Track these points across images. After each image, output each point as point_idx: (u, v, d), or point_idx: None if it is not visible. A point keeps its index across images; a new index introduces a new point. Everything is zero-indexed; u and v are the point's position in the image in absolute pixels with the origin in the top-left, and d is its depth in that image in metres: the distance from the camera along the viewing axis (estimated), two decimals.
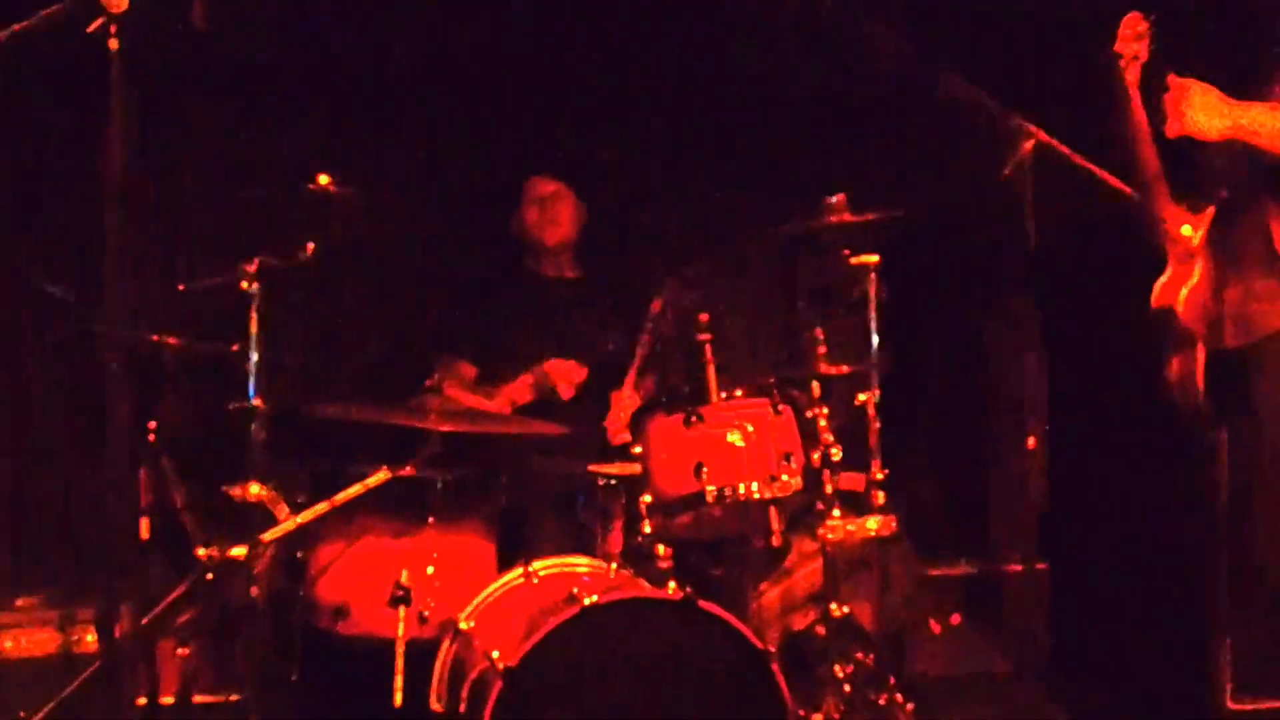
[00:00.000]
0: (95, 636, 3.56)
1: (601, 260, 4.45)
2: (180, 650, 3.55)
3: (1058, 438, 4.65)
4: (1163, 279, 3.16)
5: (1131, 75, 3.13)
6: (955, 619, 4.43)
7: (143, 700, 3.51)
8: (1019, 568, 4.66)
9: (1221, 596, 3.89)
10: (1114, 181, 3.35)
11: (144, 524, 3.44)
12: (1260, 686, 3.82)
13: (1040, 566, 4.66)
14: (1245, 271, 3.01)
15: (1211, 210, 3.10)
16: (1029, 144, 3.39)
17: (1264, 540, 3.04)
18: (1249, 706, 3.83)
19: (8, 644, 3.67)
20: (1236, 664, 3.87)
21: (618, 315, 4.30)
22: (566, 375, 4.10)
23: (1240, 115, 2.92)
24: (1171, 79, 2.97)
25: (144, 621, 3.28)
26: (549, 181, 4.38)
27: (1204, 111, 2.91)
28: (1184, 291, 3.09)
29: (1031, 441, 3.83)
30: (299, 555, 3.62)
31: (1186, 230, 3.11)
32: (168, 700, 3.56)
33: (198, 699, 3.64)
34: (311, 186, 3.50)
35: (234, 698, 3.72)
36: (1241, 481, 3.41)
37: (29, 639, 3.68)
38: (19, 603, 3.83)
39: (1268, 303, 2.97)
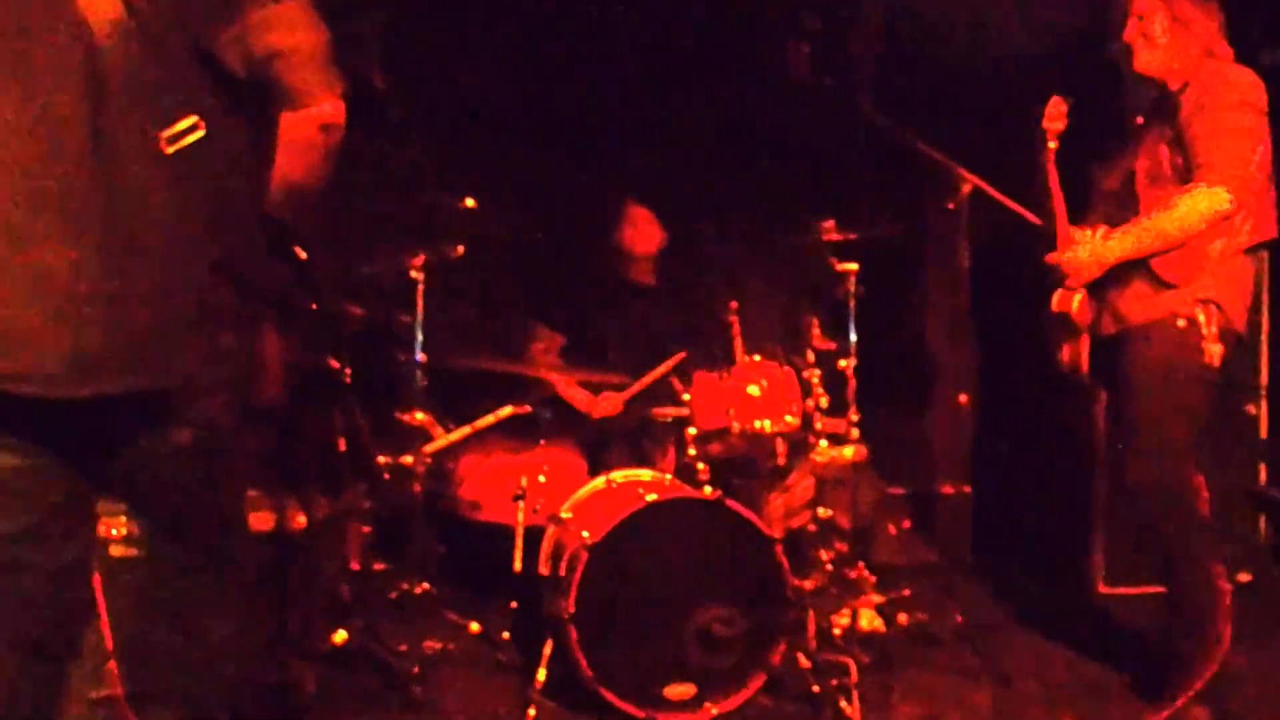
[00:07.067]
0: (304, 518, 3.40)
1: (669, 271, 4.28)
2: (363, 529, 3.57)
3: (983, 399, 4.62)
4: (1061, 289, 3.05)
5: (1052, 144, 3.07)
6: (905, 524, 4.47)
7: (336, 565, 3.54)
8: (951, 489, 4.68)
9: (1098, 508, 3.94)
10: (1029, 215, 3.31)
11: (340, 441, 3.41)
12: (1125, 576, 3.91)
13: (965, 489, 4.67)
14: (1124, 275, 2.91)
15: (1101, 231, 2.99)
16: (967, 187, 3.45)
17: (1129, 467, 2.91)
18: (1117, 590, 3.92)
19: None
20: (1108, 558, 3.95)
21: (678, 310, 4.17)
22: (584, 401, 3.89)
23: (1107, 255, 2.89)
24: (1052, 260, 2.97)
25: (338, 508, 3.40)
26: (644, 209, 4.18)
27: (1084, 272, 2.93)
28: (1076, 299, 3.01)
29: (963, 399, 3.81)
30: (448, 465, 3.69)
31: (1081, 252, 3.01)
32: (355, 566, 3.56)
33: (375, 566, 3.64)
34: (462, 205, 3.52)
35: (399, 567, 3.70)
36: (1115, 427, 3.35)
37: (254, 519, 3.40)
38: (250, 493, 3.70)
39: (1137, 301, 2.88)
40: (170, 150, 1.58)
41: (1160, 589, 3.04)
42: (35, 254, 1.56)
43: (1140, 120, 3.04)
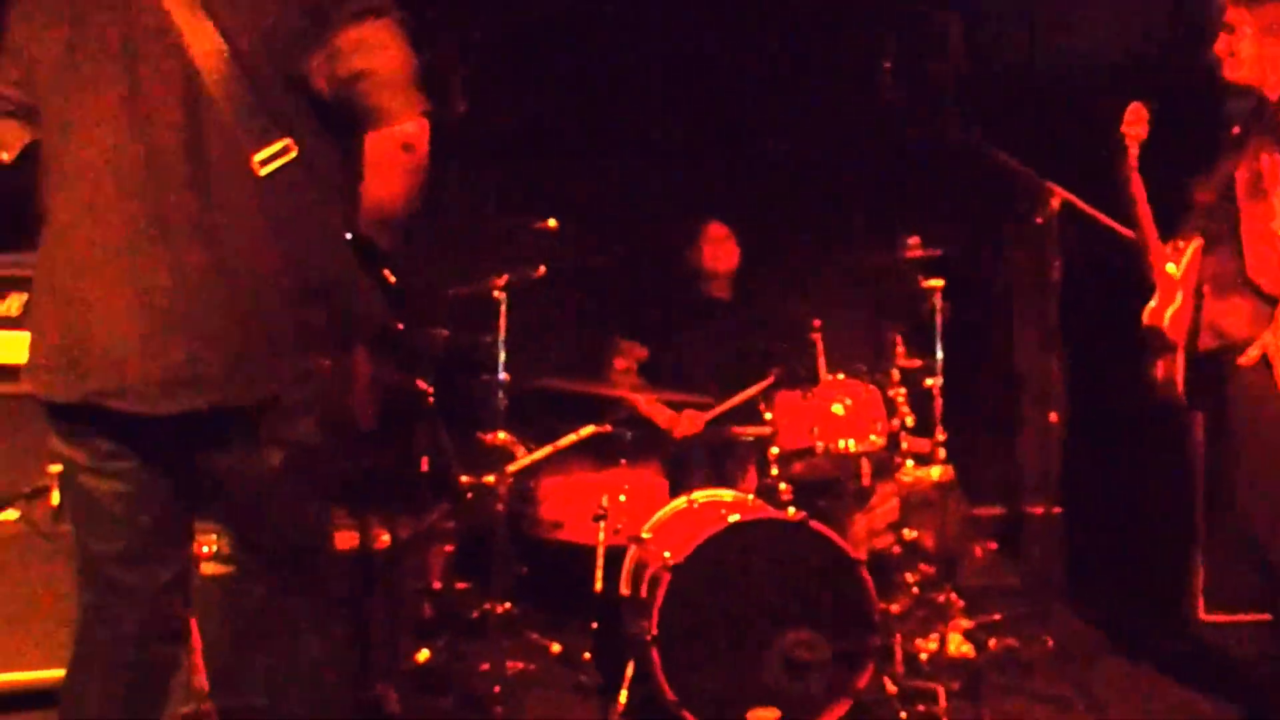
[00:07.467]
0: (388, 537, 3.38)
1: (747, 288, 4.31)
2: (446, 549, 3.62)
3: (1073, 417, 4.26)
4: (1152, 303, 3.03)
5: (1133, 150, 3.04)
6: (992, 545, 4.41)
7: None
8: (1040, 510, 4.55)
9: (1198, 532, 3.80)
10: (1118, 228, 3.27)
11: (423, 461, 3.48)
12: (1227, 603, 3.74)
13: (1056, 510, 4.50)
14: (1223, 291, 2.85)
15: (1196, 243, 2.95)
16: (1056, 201, 3.44)
17: (1237, 490, 2.85)
18: (1218, 618, 3.76)
19: None
20: (1208, 584, 3.78)
21: (758, 328, 4.19)
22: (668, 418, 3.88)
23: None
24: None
25: (421, 527, 3.45)
26: (722, 227, 4.21)
27: None
28: (1169, 312, 2.98)
29: (1053, 417, 3.77)
30: (530, 484, 3.74)
31: (1170, 268, 3.00)
32: (437, 585, 3.61)
33: (457, 586, 3.65)
34: (543, 225, 3.54)
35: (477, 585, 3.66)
36: (1216, 448, 3.29)
37: (338, 538, 3.45)
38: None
39: (1238, 316, 2.80)
40: (263, 172, 1.62)
41: (1265, 616, 2.97)
42: (137, 276, 1.63)
43: (1237, 130, 2.97)
